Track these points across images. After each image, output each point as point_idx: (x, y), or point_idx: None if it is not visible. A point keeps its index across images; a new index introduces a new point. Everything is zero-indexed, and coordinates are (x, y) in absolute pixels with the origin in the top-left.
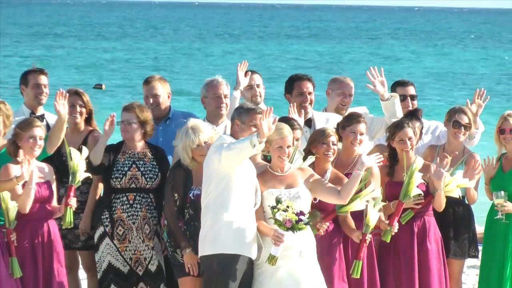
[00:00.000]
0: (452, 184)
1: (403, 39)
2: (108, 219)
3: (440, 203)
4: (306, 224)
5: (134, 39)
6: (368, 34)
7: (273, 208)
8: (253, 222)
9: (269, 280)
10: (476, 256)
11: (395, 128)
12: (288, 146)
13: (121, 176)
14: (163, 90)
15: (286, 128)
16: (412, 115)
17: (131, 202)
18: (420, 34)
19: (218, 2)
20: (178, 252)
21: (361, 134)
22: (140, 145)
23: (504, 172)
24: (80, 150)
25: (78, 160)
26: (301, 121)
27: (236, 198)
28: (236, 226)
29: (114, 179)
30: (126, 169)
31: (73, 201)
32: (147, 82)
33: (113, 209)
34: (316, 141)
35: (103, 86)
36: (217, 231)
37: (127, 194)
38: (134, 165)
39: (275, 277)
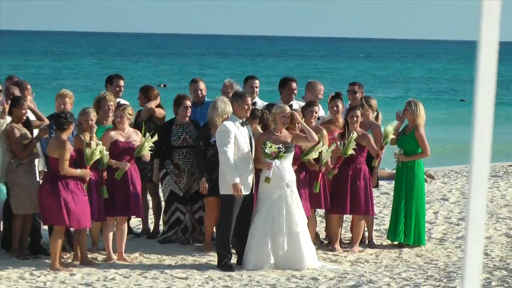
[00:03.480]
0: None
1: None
2: (169, 164)
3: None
4: (284, 153)
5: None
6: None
7: (263, 146)
8: (249, 169)
9: (267, 201)
10: (377, 187)
11: (350, 110)
12: (288, 116)
13: (177, 139)
14: (203, 86)
15: (285, 106)
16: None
17: (185, 153)
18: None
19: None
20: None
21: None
22: (187, 119)
23: (405, 135)
24: (153, 135)
25: (147, 142)
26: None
27: (235, 157)
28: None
29: (173, 141)
30: (180, 134)
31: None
32: (195, 81)
33: (173, 158)
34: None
35: (162, 85)
36: (224, 178)
37: (182, 149)
38: (184, 132)
39: (271, 198)
